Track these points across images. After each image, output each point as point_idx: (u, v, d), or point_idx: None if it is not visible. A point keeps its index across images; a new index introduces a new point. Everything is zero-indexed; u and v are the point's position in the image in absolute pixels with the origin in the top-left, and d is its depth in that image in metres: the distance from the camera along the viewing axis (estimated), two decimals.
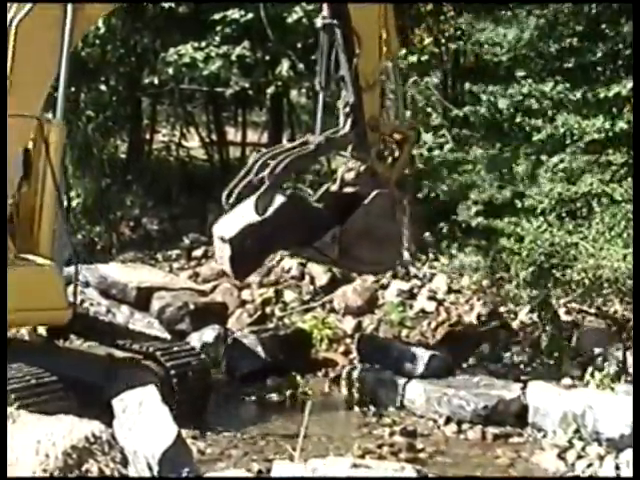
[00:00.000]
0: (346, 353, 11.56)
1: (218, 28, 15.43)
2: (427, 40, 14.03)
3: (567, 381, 9.93)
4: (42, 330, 10.18)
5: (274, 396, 10.50)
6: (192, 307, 11.89)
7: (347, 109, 10.27)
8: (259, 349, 11.15)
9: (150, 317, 11.93)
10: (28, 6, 8.93)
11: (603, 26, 12.47)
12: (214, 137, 19.99)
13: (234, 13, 15.17)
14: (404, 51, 13.16)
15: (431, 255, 13.15)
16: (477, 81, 12.62)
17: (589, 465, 8.47)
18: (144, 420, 6.95)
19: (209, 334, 11.37)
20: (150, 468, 6.56)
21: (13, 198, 9.35)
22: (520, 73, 12.48)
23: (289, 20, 14.75)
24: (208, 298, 12.63)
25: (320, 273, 13.07)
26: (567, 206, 11.52)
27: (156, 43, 17.21)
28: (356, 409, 10.16)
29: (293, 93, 19.08)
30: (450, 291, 12.49)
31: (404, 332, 11.82)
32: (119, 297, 12.29)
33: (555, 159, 11.79)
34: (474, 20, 12.72)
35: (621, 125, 11.41)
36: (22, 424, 6.70)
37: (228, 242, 9.70)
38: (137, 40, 17.35)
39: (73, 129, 15.16)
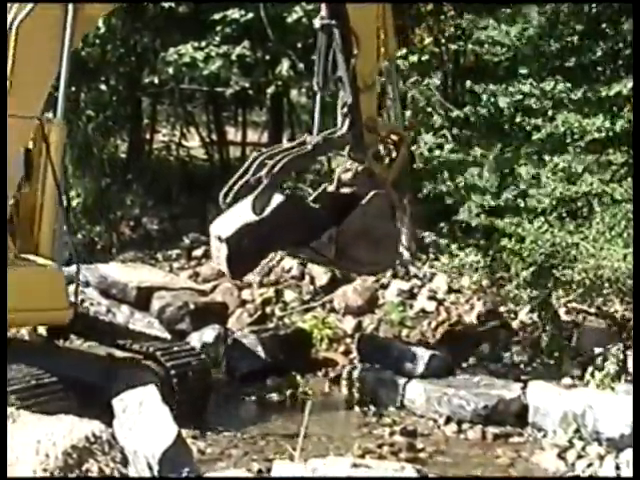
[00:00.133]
0: (346, 353, 11.56)
1: (218, 28, 15.44)
2: (427, 40, 14.02)
3: (567, 381, 9.93)
4: (42, 330, 10.18)
5: (274, 396, 10.50)
6: (192, 307, 11.89)
7: (344, 110, 10.28)
8: (259, 349, 11.15)
9: (150, 317, 11.93)
10: (29, 6, 8.93)
11: (603, 25, 12.48)
12: (214, 137, 19.99)
13: (234, 13, 15.18)
14: (404, 51, 13.17)
15: (431, 255, 13.15)
16: (477, 81, 12.61)
17: (589, 465, 8.47)
18: (144, 420, 6.95)
19: (209, 334, 11.37)
20: (150, 468, 6.56)
21: (14, 198, 9.34)
22: (522, 71, 12.47)
23: (289, 20, 14.75)
24: (208, 298, 12.63)
25: (320, 273, 13.07)
26: (568, 206, 11.51)
27: (156, 43, 17.22)
28: (356, 409, 10.17)
29: (293, 93, 19.08)
30: (450, 291, 12.49)
31: (404, 332, 11.81)
32: (119, 297, 12.29)
33: (556, 158, 11.78)
34: (477, 16, 12.70)
35: (621, 124, 11.41)
36: (22, 424, 6.70)
37: (225, 241, 9.70)
38: (137, 40, 17.36)
39: (73, 129, 15.16)
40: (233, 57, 15.42)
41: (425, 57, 13.59)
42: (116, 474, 6.39)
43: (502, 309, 11.74)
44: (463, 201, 12.20)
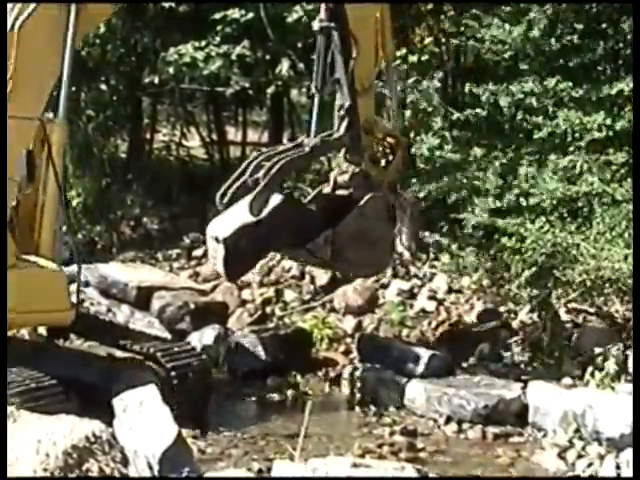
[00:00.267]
0: (346, 353, 11.55)
1: (218, 28, 15.42)
2: (427, 40, 14.02)
3: (567, 381, 9.93)
4: (42, 330, 10.18)
5: (274, 396, 10.50)
6: (192, 306, 11.88)
7: (342, 112, 10.30)
8: (259, 349, 11.15)
9: (150, 316, 11.93)
10: (32, 6, 8.92)
11: (604, 25, 12.48)
12: (214, 137, 19.97)
13: (234, 13, 15.16)
14: (404, 51, 13.16)
15: (431, 255, 13.15)
16: (478, 80, 12.61)
17: (589, 465, 8.46)
18: (144, 419, 6.96)
19: (209, 334, 11.36)
20: (150, 468, 6.58)
21: (16, 200, 9.33)
22: (523, 67, 12.46)
23: (289, 20, 14.74)
24: (208, 297, 12.62)
25: (320, 273, 13.06)
26: (568, 206, 11.52)
27: (156, 42, 17.20)
28: (356, 409, 10.17)
29: (293, 92, 19.06)
30: (450, 291, 12.50)
31: (404, 332, 11.81)
32: (119, 296, 12.28)
33: (556, 158, 11.78)
34: (484, 14, 12.70)
35: (622, 123, 11.41)
36: (22, 423, 6.71)
37: (222, 242, 9.70)
38: (137, 39, 17.34)
39: (73, 128, 15.14)
40: (233, 57, 15.41)
41: (425, 57, 13.60)
42: (116, 474, 6.40)
43: (502, 309, 11.74)
44: (465, 203, 12.19)
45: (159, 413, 7.02)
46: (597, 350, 10.33)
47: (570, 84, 11.84)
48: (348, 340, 11.80)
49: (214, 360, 10.78)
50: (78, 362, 9.36)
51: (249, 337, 11.37)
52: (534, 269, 10.69)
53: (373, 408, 10.08)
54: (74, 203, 16.07)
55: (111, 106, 17.86)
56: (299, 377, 10.73)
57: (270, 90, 15.94)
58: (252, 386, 10.67)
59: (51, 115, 9.79)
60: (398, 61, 12.72)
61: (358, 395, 10.26)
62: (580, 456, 8.64)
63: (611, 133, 11.50)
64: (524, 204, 11.58)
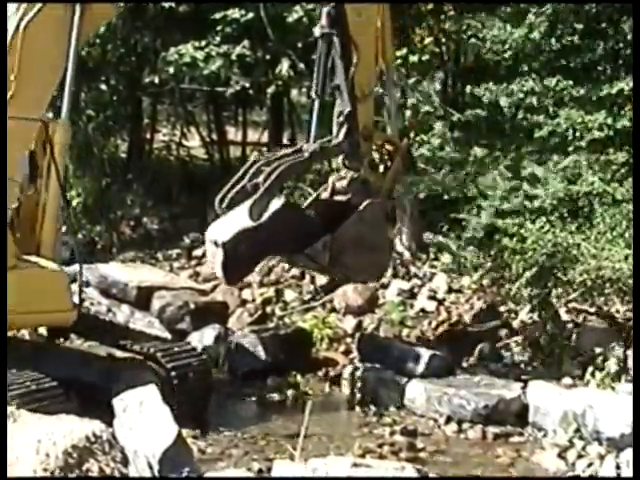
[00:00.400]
0: (347, 352, 11.55)
1: (218, 27, 15.44)
2: (428, 40, 14.03)
3: (567, 380, 9.93)
4: (42, 330, 10.18)
5: (274, 396, 10.50)
6: (192, 306, 11.88)
7: (341, 118, 10.31)
8: (259, 349, 11.15)
9: (150, 316, 11.92)
10: (37, 7, 8.90)
11: (603, 25, 12.49)
12: (214, 136, 20.00)
13: (234, 13, 15.18)
14: (404, 51, 13.16)
15: (431, 255, 13.15)
16: (478, 80, 12.62)
17: (589, 464, 8.47)
18: (145, 420, 6.96)
19: (209, 334, 11.36)
20: (150, 467, 6.58)
21: (18, 201, 9.32)
22: (523, 67, 12.47)
23: (289, 20, 14.75)
24: (208, 297, 12.62)
25: None
26: (569, 206, 11.52)
27: (156, 42, 17.23)
28: (356, 409, 10.17)
29: (293, 92, 19.07)
30: (450, 290, 12.50)
31: (405, 331, 11.82)
32: (119, 296, 12.28)
33: (557, 157, 11.78)
34: (488, 15, 12.70)
35: (623, 122, 11.41)
36: (23, 423, 6.71)
37: (221, 246, 9.72)
38: (137, 39, 17.37)
39: (74, 128, 15.15)
40: (233, 57, 15.42)
41: (425, 57, 13.60)
42: (116, 474, 6.40)
43: (502, 308, 11.74)
44: (465, 203, 12.19)
45: (159, 413, 7.02)
46: (597, 350, 10.33)
47: (571, 83, 11.86)
48: (348, 340, 11.80)
49: (214, 360, 10.78)
50: (78, 362, 9.35)
51: (249, 337, 11.37)
52: (535, 269, 10.69)
53: (373, 408, 10.08)
54: (74, 203, 16.07)
55: (111, 106, 17.88)
56: (299, 377, 10.72)
57: (270, 90, 15.95)
58: (252, 386, 10.68)
59: (51, 115, 9.78)
60: (398, 61, 12.72)
61: (358, 395, 10.26)
62: (580, 456, 8.64)
63: (611, 132, 11.51)
64: (529, 206, 11.58)
